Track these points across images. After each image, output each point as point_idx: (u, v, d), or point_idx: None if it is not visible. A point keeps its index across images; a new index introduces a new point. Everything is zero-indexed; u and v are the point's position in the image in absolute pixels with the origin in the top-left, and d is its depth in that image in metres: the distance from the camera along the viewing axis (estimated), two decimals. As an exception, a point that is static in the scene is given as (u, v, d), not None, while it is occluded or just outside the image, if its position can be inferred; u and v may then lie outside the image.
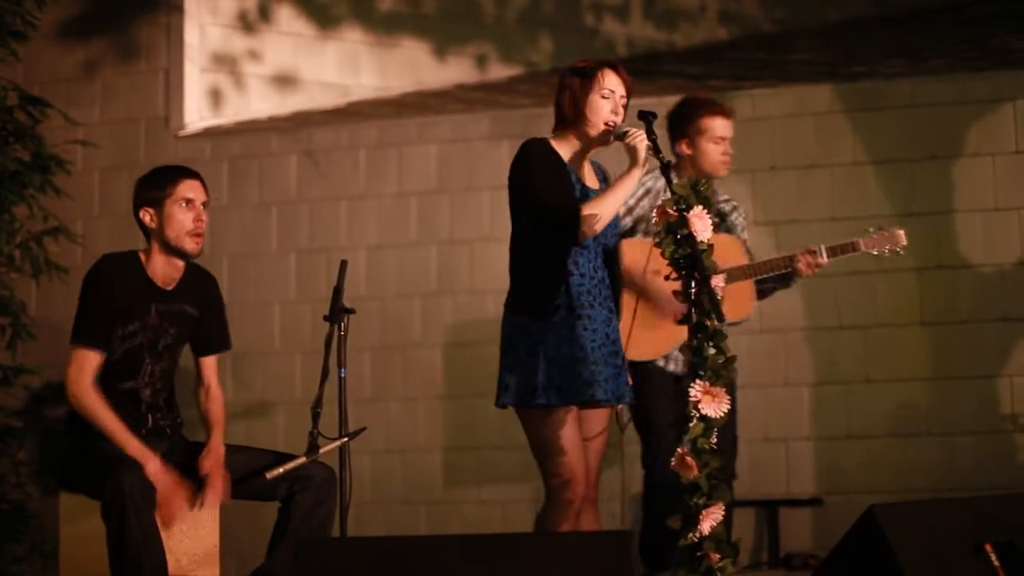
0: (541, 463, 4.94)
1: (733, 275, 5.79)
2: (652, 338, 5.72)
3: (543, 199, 4.87)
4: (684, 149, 5.95)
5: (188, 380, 5.32)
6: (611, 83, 4.97)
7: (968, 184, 7.57)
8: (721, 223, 5.96)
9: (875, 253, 6.04)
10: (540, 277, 4.92)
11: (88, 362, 4.96)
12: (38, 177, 7.44)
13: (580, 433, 4.91)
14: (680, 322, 5.93)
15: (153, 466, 4.85)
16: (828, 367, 7.69)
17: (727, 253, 5.78)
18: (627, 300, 5.62)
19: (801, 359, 7.71)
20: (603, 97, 4.95)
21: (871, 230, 6.05)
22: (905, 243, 6.05)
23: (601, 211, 4.85)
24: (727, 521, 5.62)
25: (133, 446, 4.89)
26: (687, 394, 5.65)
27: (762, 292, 6.06)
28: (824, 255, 5.95)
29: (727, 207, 6.11)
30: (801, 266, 5.92)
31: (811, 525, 7.34)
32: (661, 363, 5.93)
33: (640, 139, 4.83)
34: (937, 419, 7.51)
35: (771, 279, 6.02)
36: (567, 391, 4.86)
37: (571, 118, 4.97)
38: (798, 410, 7.66)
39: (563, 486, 4.89)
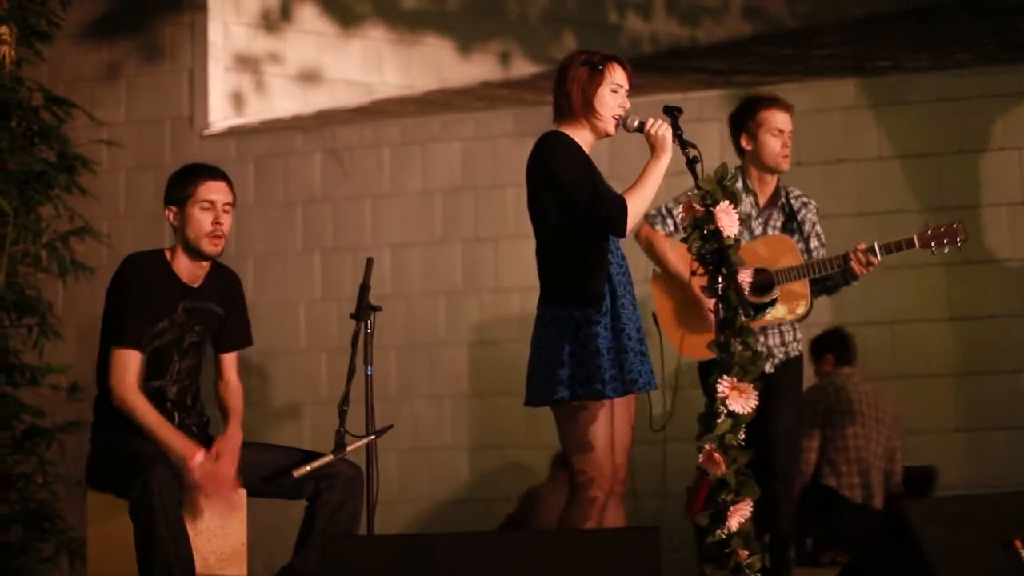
0: (570, 459, 4.91)
1: (784, 276, 5.74)
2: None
3: (593, 192, 4.84)
4: (745, 144, 5.86)
5: (210, 377, 5.31)
6: (619, 78, 4.95)
7: (994, 178, 7.54)
8: (790, 220, 5.87)
9: (933, 250, 5.72)
10: (586, 268, 4.87)
11: (130, 362, 4.96)
12: (64, 177, 7.46)
13: (612, 429, 4.89)
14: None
15: (198, 458, 4.87)
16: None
17: (778, 254, 5.76)
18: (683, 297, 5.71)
19: (828, 355, 7.68)
20: (612, 91, 4.94)
21: (928, 224, 5.74)
22: (965, 237, 5.71)
23: (642, 201, 4.85)
24: (776, 514, 5.59)
25: (178, 442, 4.91)
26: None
27: (827, 289, 5.89)
28: (878, 253, 5.68)
29: (797, 203, 5.91)
30: (854, 266, 5.68)
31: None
32: None
33: (664, 128, 4.83)
34: (965, 415, 7.48)
35: (831, 277, 5.79)
36: (622, 380, 4.83)
37: (579, 110, 4.95)
38: (825, 406, 7.62)
39: (590, 483, 4.87)
